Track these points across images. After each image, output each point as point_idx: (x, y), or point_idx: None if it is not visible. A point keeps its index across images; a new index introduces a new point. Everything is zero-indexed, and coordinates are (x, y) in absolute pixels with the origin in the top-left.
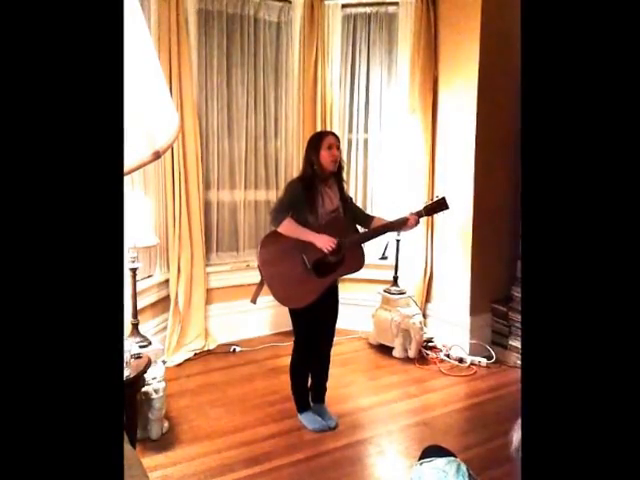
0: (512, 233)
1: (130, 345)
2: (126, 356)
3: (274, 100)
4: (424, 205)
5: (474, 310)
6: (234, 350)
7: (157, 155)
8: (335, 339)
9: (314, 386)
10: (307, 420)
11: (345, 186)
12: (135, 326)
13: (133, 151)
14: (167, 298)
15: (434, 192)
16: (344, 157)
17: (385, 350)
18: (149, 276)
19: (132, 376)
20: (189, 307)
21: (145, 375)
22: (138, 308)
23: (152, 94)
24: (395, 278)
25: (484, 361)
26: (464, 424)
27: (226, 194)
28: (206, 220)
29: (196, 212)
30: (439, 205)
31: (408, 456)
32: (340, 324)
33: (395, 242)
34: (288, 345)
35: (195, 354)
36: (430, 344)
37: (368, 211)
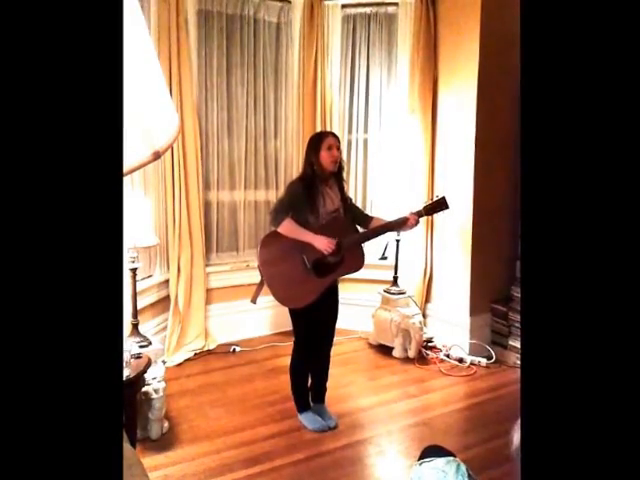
0: (512, 233)
1: (130, 345)
2: (126, 356)
3: (274, 100)
4: (424, 205)
5: (474, 310)
6: (234, 350)
7: (157, 155)
8: (335, 339)
9: (314, 386)
10: (307, 420)
11: (345, 186)
12: (135, 326)
13: (133, 151)
14: (167, 298)
15: (434, 192)
16: (344, 157)
17: (385, 350)
18: (149, 276)
19: (132, 376)
20: (189, 307)
21: (145, 375)
22: (138, 308)
23: (152, 94)
24: (395, 278)
25: (484, 361)
26: (464, 424)
27: (226, 194)
28: (206, 220)
29: (196, 212)
30: (439, 205)
31: (408, 456)
32: (340, 324)
33: (395, 242)
34: (288, 345)
35: (195, 354)
36: (430, 344)
37: (368, 211)
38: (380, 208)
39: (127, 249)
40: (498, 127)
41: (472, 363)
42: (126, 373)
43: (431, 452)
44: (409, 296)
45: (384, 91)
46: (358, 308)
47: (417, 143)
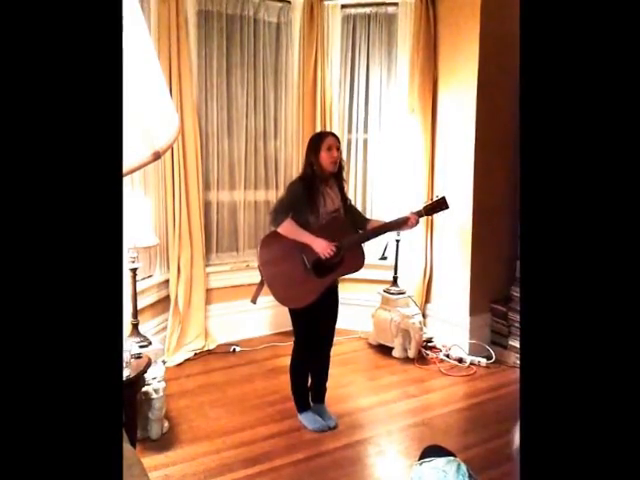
0: (511, 233)
1: (130, 345)
2: (126, 356)
3: (274, 100)
4: (424, 205)
5: (473, 310)
6: (234, 350)
7: (157, 155)
8: (335, 339)
9: (314, 386)
10: (307, 420)
11: (345, 186)
12: (135, 326)
13: (133, 151)
14: (167, 298)
15: (434, 192)
16: (344, 157)
17: (385, 350)
18: (149, 276)
19: (132, 376)
20: (189, 307)
21: (145, 375)
22: (138, 308)
23: (152, 94)
24: (395, 278)
25: (484, 361)
26: (464, 424)
27: (226, 194)
28: (206, 220)
29: (196, 212)
30: (439, 205)
31: (408, 456)
32: (340, 324)
33: (395, 242)
34: (288, 345)
35: (195, 354)
36: (430, 344)
37: (368, 211)
38: (380, 208)
39: (127, 249)
40: (498, 127)
41: (472, 363)
42: (126, 373)
43: (431, 452)
44: (409, 296)
45: (384, 91)
46: (358, 308)
47: (417, 143)
